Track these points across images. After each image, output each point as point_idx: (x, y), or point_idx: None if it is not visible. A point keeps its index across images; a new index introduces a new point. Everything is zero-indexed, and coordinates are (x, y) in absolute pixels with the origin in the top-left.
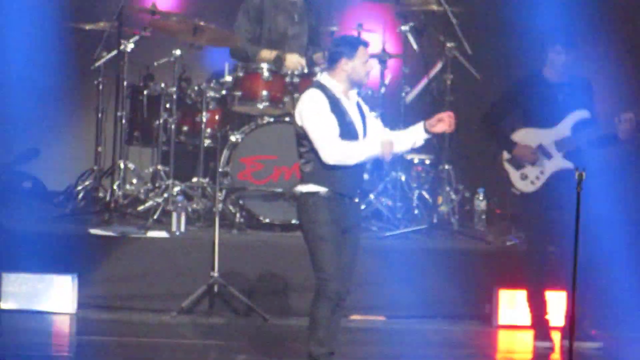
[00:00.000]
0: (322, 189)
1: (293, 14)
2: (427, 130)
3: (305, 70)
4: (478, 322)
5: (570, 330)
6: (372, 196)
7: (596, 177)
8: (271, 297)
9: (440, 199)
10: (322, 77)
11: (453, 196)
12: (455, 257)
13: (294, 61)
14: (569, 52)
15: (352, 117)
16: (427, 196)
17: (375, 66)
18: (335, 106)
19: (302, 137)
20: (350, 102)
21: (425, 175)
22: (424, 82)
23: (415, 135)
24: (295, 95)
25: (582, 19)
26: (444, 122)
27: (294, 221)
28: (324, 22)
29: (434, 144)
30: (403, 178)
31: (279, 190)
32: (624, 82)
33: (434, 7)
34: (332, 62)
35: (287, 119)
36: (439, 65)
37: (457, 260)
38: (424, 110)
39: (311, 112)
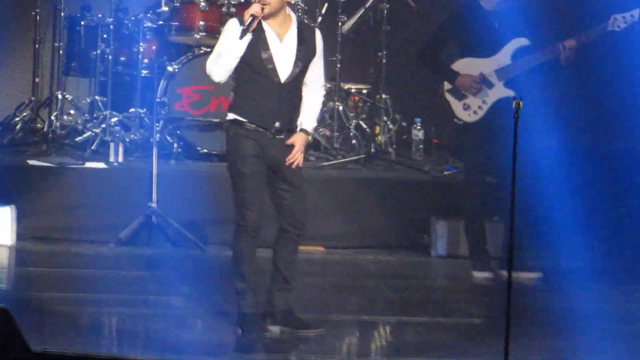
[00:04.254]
0: (241, 119)
1: None
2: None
3: None
4: (416, 252)
5: (509, 261)
6: None
7: (537, 104)
8: (209, 228)
9: (377, 129)
10: None
11: (390, 126)
12: (393, 187)
13: None
14: None
15: (271, 50)
16: (364, 126)
17: None
18: (254, 37)
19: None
20: (281, 34)
21: (363, 105)
22: (360, 11)
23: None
24: None
25: None
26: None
27: None
28: None
29: (370, 73)
30: (340, 108)
31: (216, 120)
32: (563, 8)
33: None
34: None
35: None
36: None
37: (394, 190)
38: (361, 40)
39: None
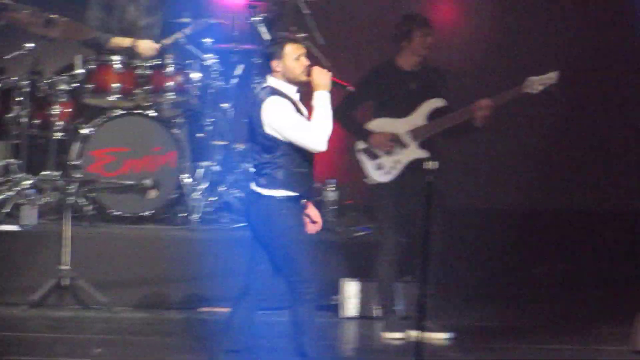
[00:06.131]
0: (293, 194)
1: (144, 4)
2: None
3: (159, 61)
4: (326, 313)
5: (420, 321)
6: (222, 188)
7: (450, 165)
8: (121, 290)
9: None
10: (271, 82)
11: None
12: None
13: (147, 47)
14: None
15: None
16: None
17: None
18: (294, 107)
19: (271, 145)
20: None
21: None
22: None
23: None
24: (146, 87)
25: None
26: None
27: (143, 214)
28: (175, 13)
29: None
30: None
31: (129, 182)
32: (481, 69)
33: None
34: (267, 67)
35: (138, 111)
36: None
37: None
38: None
39: (281, 117)
